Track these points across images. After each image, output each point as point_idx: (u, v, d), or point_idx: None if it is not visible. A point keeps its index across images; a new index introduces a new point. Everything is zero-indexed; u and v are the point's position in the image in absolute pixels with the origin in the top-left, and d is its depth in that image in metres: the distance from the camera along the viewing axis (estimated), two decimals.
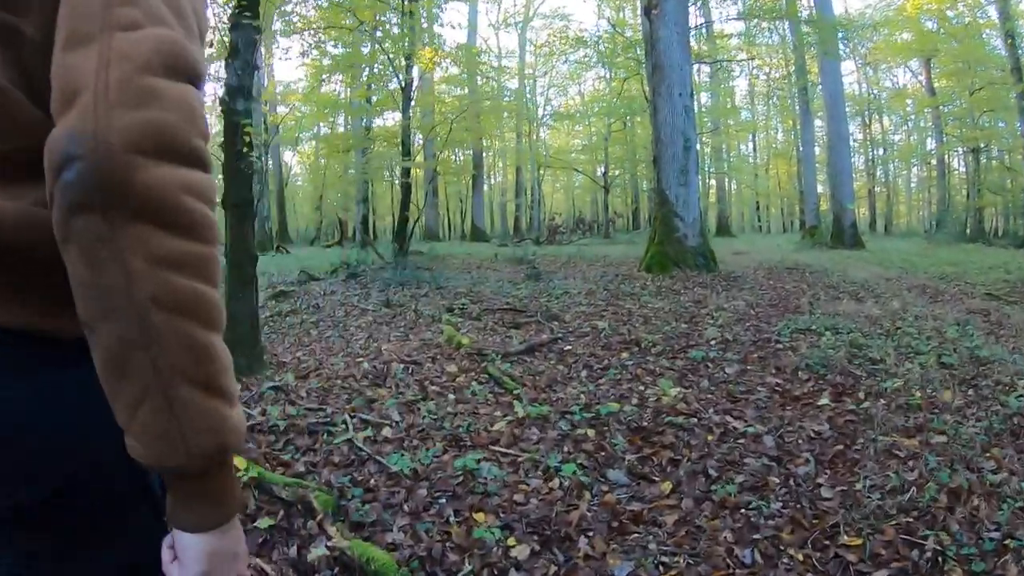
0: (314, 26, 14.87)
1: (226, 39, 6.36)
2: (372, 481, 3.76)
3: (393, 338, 7.62)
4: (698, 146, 15.83)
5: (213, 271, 0.76)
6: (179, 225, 0.69)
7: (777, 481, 3.71)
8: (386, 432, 4.43)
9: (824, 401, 5.04)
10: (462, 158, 38.67)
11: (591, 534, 3.20)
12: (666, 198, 13.15)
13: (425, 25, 17.48)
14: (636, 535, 3.20)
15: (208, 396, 0.74)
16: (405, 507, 3.45)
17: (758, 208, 52.11)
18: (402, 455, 4.04)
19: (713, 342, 6.95)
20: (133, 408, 0.71)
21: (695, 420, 4.70)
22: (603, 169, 36.21)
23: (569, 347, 6.87)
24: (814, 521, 3.23)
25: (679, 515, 3.37)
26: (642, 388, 5.49)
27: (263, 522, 3.08)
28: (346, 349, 7.22)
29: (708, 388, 5.51)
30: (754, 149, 51.39)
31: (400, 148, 15.79)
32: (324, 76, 23.81)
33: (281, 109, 35.89)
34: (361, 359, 6.58)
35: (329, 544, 2.91)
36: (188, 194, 0.70)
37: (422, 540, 3.12)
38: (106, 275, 0.67)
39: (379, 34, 15.27)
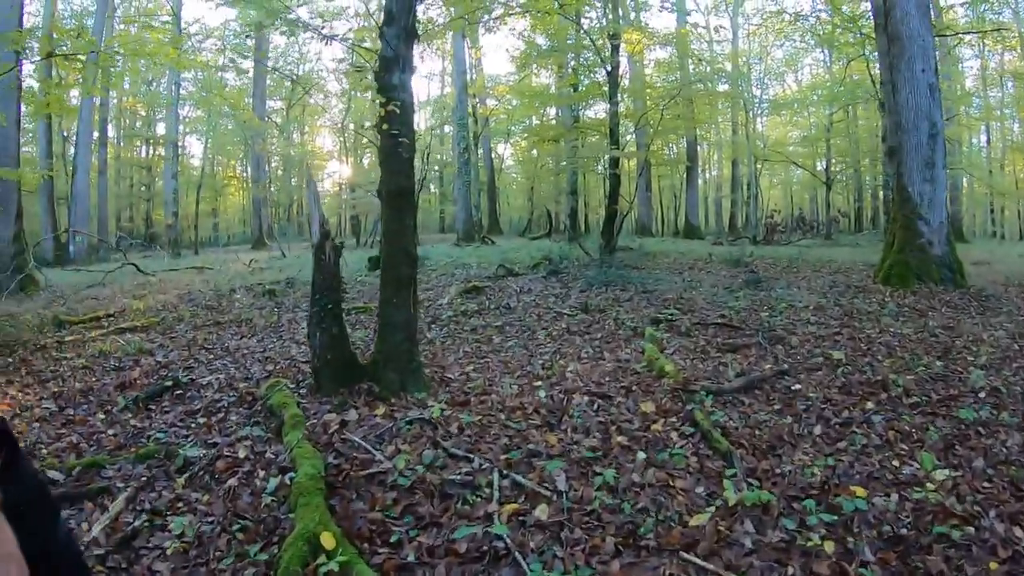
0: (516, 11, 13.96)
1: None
2: None
3: (584, 356, 6.38)
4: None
5: None
6: None
7: None
8: (541, 511, 3.17)
9: None
10: (676, 151, 36.54)
11: None
12: (908, 196, 10.67)
13: (633, 15, 16.22)
14: None
15: None
16: None
17: (992, 210, 44.63)
18: (553, 555, 2.78)
19: (981, 393, 4.98)
20: None
21: (972, 531, 3.02)
22: (824, 163, 32.51)
23: (798, 386, 5.21)
24: None
25: None
26: (896, 464, 3.78)
27: None
28: (525, 367, 6.10)
29: (984, 471, 3.69)
30: (987, 142, 43.93)
31: (608, 137, 14.53)
32: (533, 67, 23.04)
33: (491, 103, 36.14)
34: (539, 383, 5.41)
35: None
36: None
37: None
38: None
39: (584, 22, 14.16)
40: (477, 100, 34.84)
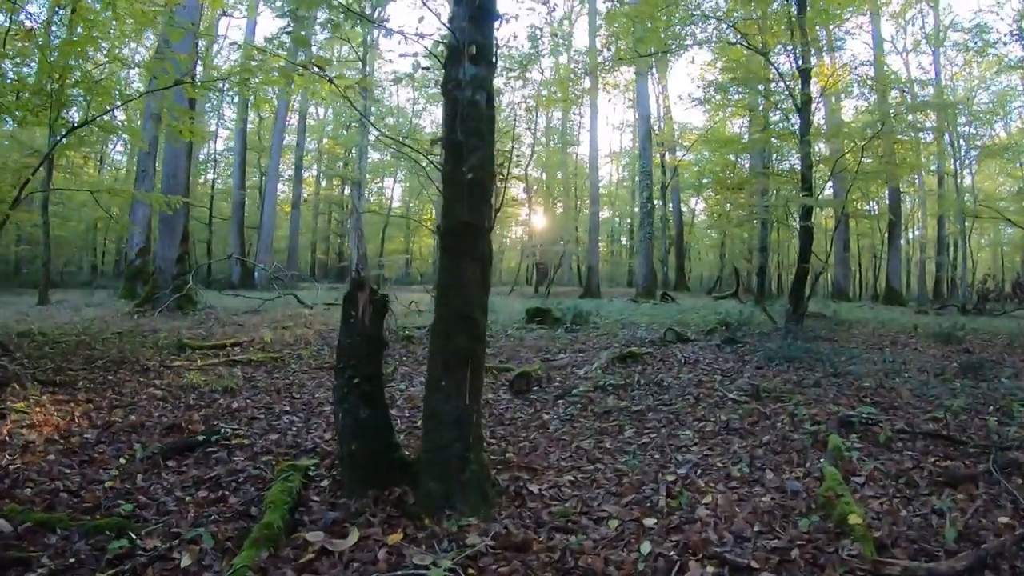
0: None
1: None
2: None
3: (734, 477, 4.33)
4: None
5: None
6: None
7: None
8: None
9: None
10: (877, 207, 32.36)
11: None
12: None
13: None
14: None
15: None
16: None
17: None
18: None
19: None
20: None
21: None
22: None
23: None
24: None
25: None
26: None
27: None
28: (647, 484, 4.18)
29: None
30: None
31: (800, 184, 12.18)
32: (725, 111, 20.92)
33: (681, 155, 34.03)
34: (652, 523, 3.51)
35: None
36: None
37: None
38: None
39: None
40: (665, 149, 32.98)
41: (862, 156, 11.57)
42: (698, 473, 4.39)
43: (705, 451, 4.89)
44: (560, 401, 6.45)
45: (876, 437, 5.07)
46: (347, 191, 42.63)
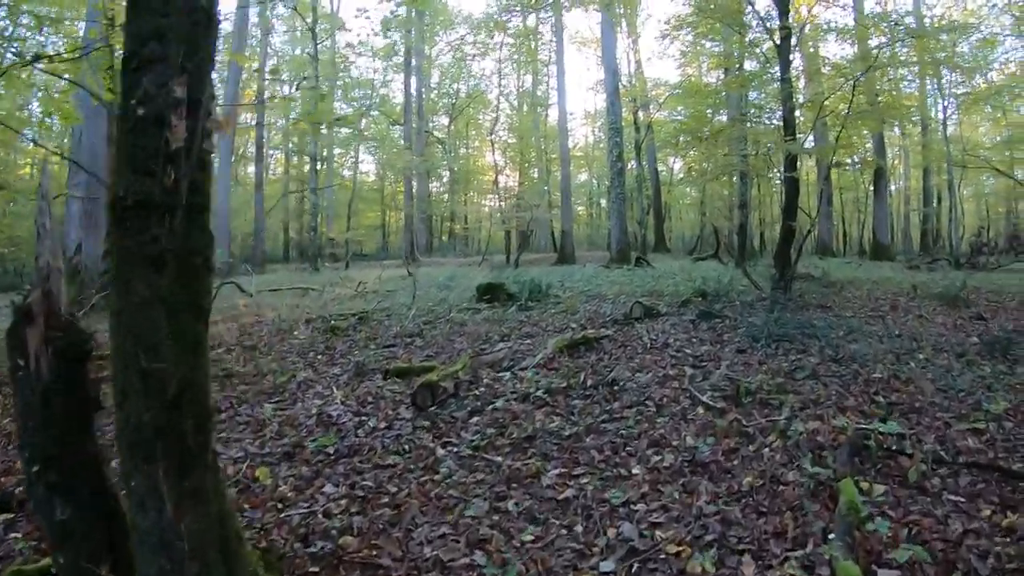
0: None
1: None
2: None
3: (713, 532, 2.71)
4: None
5: None
6: None
7: None
8: None
9: None
10: (861, 160, 30.67)
11: None
12: None
13: None
14: None
15: None
16: None
17: None
18: None
19: None
20: None
21: None
22: None
23: None
24: None
25: None
26: None
27: None
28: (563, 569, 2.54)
29: None
30: None
31: (782, 129, 10.42)
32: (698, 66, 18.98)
33: (656, 113, 32.02)
34: None
35: None
36: None
37: None
38: None
39: None
40: (637, 106, 30.97)
41: (853, 94, 9.81)
42: (635, 568, 2.73)
43: (654, 512, 3.23)
44: (472, 421, 4.75)
45: (904, 471, 3.43)
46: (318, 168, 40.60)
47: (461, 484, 3.69)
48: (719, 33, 18.75)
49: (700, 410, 4.67)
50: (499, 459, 3.97)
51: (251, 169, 34.21)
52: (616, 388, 5.29)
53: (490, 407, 4.95)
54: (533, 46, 35.76)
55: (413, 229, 30.78)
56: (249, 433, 4.89)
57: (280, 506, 3.54)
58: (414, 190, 32.34)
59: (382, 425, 4.75)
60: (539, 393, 5.14)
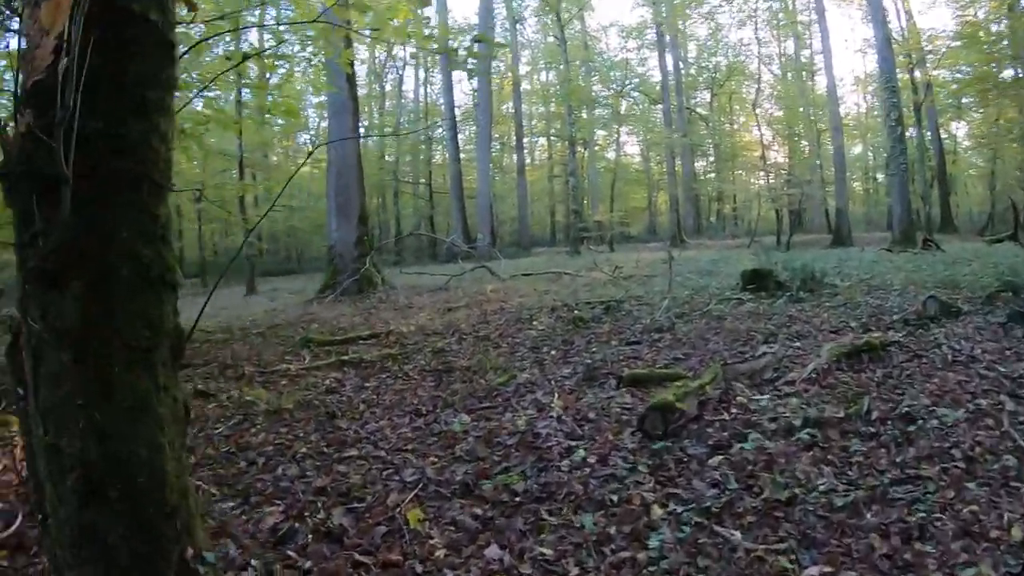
0: None
1: None
2: None
3: None
4: None
5: None
6: None
7: None
8: None
9: None
10: None
11: None
12: None
13: None
14: None
15: None
16: None
17: None
18: None
19: None
20: None
21: None
22: None
23: None
24: None
25: None
26: None
27: None
28: None
29: None
30: None
31: None
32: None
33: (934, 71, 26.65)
34: None
35: None
36: None
37: None
38: None
39: None
40: (912, 63, 26.07)
41: None
42: None
43: None
44: (711, 463, 3.45)
45: None
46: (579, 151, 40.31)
47: (672, 574, 2.48)
48: None
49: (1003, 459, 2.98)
50: (736, 536, 2.65)
51: (515, 158, 34.75)
52: (910, 423, 3.66)
53: (739, 445, 3.61)
54: (791, 6, 32.15)
55: (679, 210, 29.26)
56: (438, 448, 4.09)
57: (421, 570, 2.63)
58: (678, 169, 30.63)
59: (593, 458, 3.64)
60: (806, 431, 3.68)
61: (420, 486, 3.43)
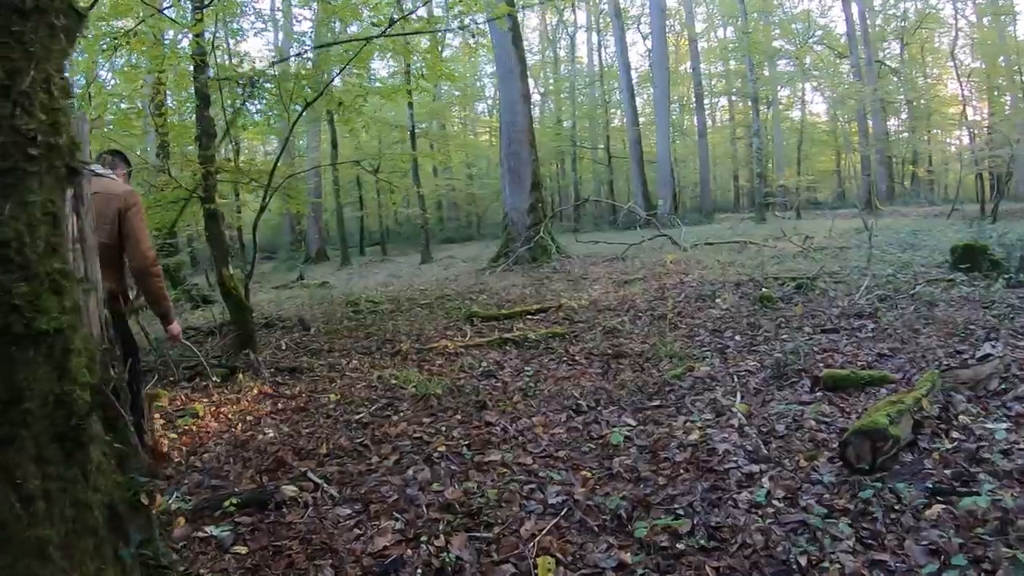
0: None
1: None
2: None
3: None
4: None
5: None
6: None
7: None
8: None
9: None
10: None
11: None
12: None
13: None
14: None
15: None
16: None
17: None
18: None
19: None
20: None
21: None
22: None
23: None
24: None
25: None
26: None
27: None
28: None
29: None
30: None
31: None
32: None
33: None
34: None
35: None
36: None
37: None
38: None
39: None
40: None
41: None
42: None
43: None
44: (931, 514, 2.45)
45: None
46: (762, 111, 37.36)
47: None
48: None
49: None
50: None
51: (696, 119, 32.80)
52: None
53: (965, 486, 2.60)
54: None
55: (871, 174, 26.17)
56: (594, 458, 3.42)
57: None
58: (869, 129, 27.35)
59: (780, 492, 2.79)
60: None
61: (564, 512, 2.78)
